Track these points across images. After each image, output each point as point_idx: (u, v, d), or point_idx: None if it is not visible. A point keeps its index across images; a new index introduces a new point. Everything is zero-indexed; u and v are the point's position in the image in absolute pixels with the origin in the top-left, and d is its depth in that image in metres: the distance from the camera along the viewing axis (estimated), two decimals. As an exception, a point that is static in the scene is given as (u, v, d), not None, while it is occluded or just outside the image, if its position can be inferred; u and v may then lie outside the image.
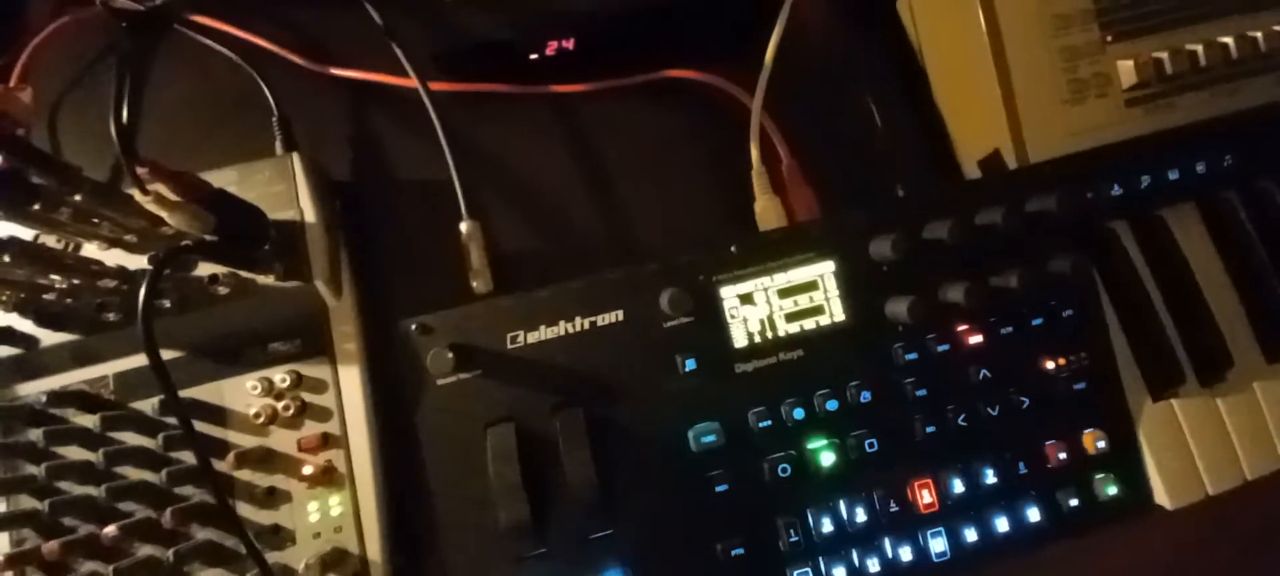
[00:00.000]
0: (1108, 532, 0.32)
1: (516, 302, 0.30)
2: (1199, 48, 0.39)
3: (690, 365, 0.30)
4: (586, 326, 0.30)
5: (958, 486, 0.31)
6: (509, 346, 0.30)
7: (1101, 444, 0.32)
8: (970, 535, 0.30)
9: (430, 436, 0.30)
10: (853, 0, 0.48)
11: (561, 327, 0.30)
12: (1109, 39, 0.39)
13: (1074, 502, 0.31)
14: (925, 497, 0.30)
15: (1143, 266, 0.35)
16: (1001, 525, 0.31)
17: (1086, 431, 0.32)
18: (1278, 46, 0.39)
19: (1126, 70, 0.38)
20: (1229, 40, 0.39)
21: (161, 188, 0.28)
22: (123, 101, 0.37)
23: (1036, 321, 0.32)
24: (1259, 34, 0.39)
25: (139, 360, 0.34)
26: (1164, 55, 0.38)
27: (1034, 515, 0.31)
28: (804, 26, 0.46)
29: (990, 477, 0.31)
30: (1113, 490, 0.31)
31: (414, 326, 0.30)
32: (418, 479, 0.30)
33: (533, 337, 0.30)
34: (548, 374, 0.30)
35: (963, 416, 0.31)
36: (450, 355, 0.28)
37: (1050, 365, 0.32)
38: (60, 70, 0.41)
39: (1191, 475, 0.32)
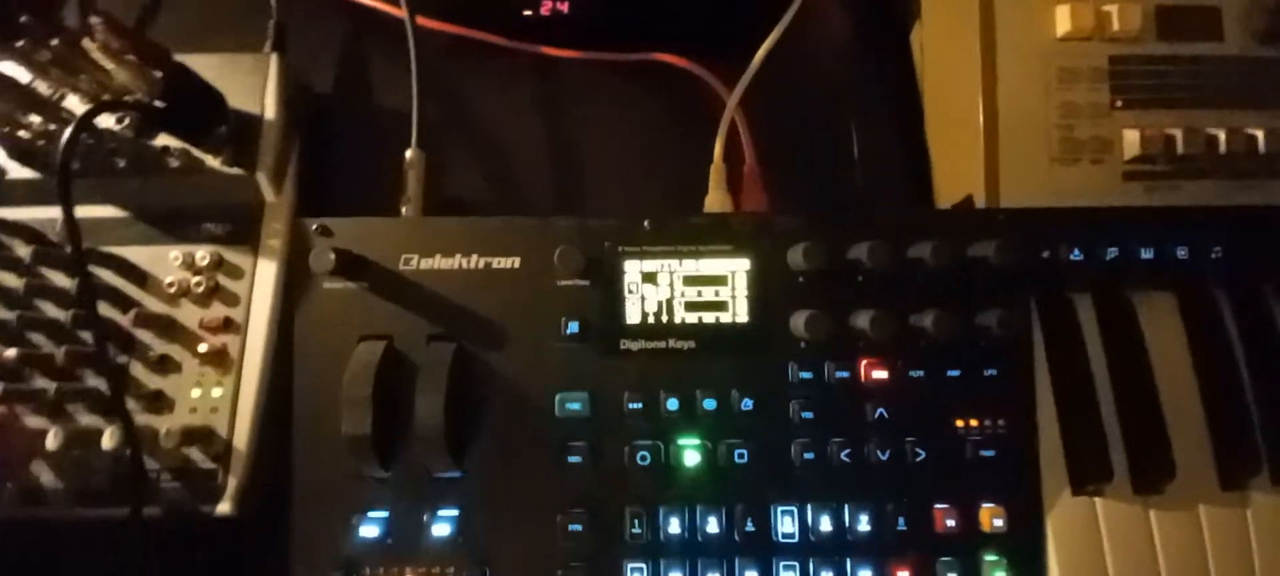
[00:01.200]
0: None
1: (417, 226, 0.31)
2: (1222, 133, 0.35)
3: (573, 328, 0.29)
4: (481, 265, 0.30)
5: (825, 524, 0.28)
6: (401, 266, 0.30)
7: (999, 522, 0.29)
8: (828, 579, 0.28)
9: (306, 336, 0.30)
10: (867, 23, 0.46)
11: (457, 261, 0.30)
12: (1118, 103, 0.36)
13: (954, 577, 0.28)
14: (786, 526, 0.28)
15: (1097, 346, 0.32)
16: (865, 578, 0.28)
17: (985, 505, 0.29)
18: (1317, 151, 0.35)
19: (1131, 140, 0.35)
20: (1259, 134, 0.36)
21: (110, 39, 0.30)
22: None
23: (953, 373, 0.29)
24: (1296, 132, 0.35)
25: (93, 210, 0.36)
26: (1177, 132, 0.35)
27: (905, 578, 0.28)
28: (811, 38, 0.45)
29: (863, 525, 0.28)
30: (1001, 575, 0.28)
31: (315, 226, 0.30)
32: (290, 377, 0.30)
33: (426, 264, 0.30)
34: (432, 303, 0.30)
35: (847, 452, 0.29)
36: (332, 256, 0.28)
37: (959, 423, 0.29)
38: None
39: (1099, 585, 0.29)
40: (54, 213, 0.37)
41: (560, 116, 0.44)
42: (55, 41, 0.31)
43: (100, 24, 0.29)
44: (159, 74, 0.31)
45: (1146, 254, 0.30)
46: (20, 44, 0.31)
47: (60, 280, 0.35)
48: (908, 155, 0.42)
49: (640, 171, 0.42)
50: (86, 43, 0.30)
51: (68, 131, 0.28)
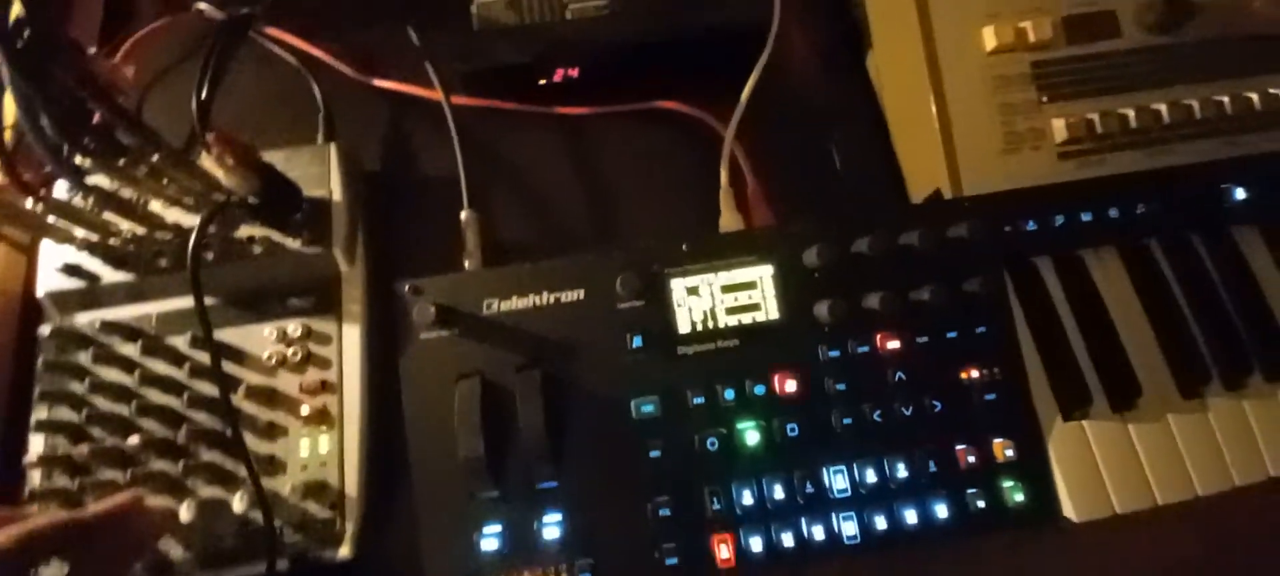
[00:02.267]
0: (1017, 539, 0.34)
1: (494, 275, 0.36)
2: (1131, 111, 0.43)
3: (637, 342, 0.35)
4: (552, 300, 0.35)
5: (870, 476, 0.34)
6: (484, 311, 0.35)
7: (1010, 453, 0.34)
8: (880, 522, 0.33)
9: (410, 383, 0.35)
10: (830, 54, 0.54)
11: (531, 299, 0.35)
12: (1045, 99, 0.43)
13: (981, 504, 0.34)
14: (839, 483, 0.34)
15: (1062, 299, 0.38)
16: (910, 516, 0.33)
17: (996, 439, 0.35)
18: (1212, 115, 0.43)
19: (1059, 127, 0.43)
20: (1162, 107, 0.44)
21: (224, 151, 0.35)
22: (205, 82, 0.45)
23: (951, 334, 0.35)
24: (1195, 102, 0.44)
25: (179, 302, 0.40)
26: (1094, 116, 0.43)
27: (942, 511, 0.34)
28: (786, 73, 0.52)
29: (902, 471, 0.34)
30: (1019, 497, 0.34)
31: (408, 287, 0.35)
32: (397, 421, 0.35)
33: (505, 306, 0.35)
34: (515, 338, 0.35)
35: (878, 413, 0.34)
36: (432, 310, 0.33)
37: (963, 375, 0.35)
38: (155, 60, 0.49)
39: (1099, 492, 0.35)
40: (146, 309, 0.41)
41: (582, 164, 0.50)
42: (156, 157, 0.36)
43: (214, 139, 0.34)
44: (256, 176, 0.36)
45: (1086, 217, 0.38)
46: (121, 162, 0.35)
47: (165, 369, 0.39)
48: (881, 159, 0.50)
49: (657, 203, 0.48)
50: (200, 155, 0.35)
51: (195, 233, 0.32)
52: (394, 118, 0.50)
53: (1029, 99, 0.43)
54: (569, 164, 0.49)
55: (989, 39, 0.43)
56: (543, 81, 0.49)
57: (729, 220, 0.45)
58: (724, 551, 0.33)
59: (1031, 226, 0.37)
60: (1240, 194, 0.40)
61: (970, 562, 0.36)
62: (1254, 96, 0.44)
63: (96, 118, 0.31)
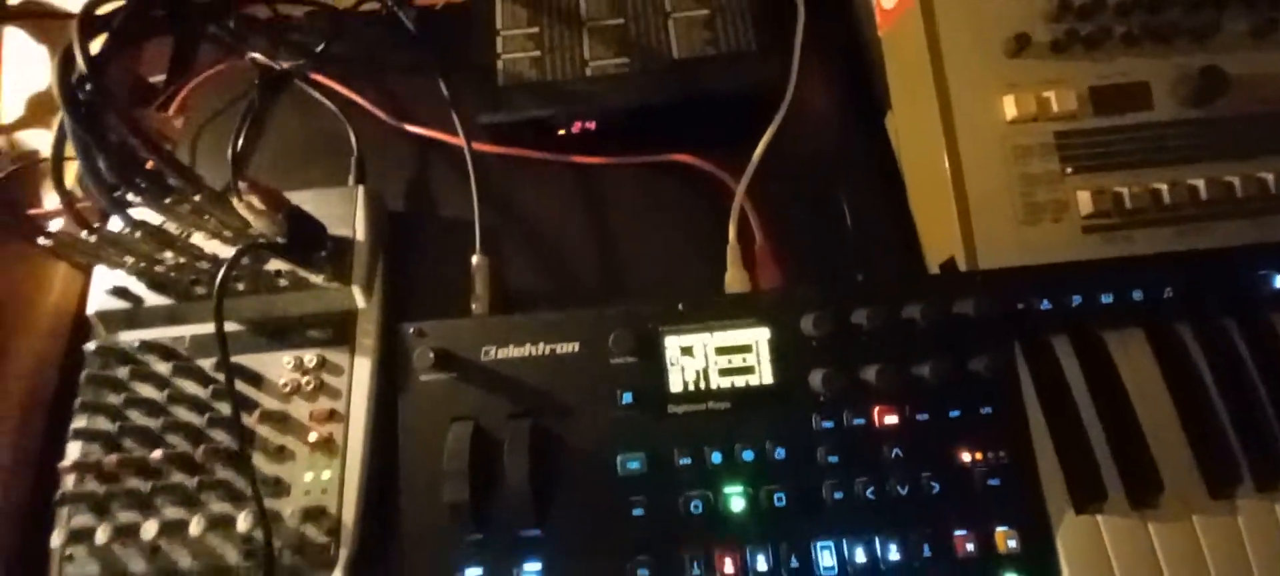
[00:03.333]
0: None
1: (494, 322, 0.37)
2: (1164, 186, 0.41)
3: (627, 398, 0.35)
4: (547, 352, 0.36)
5: (860, 556, 0.33)
6: (482, 358, 0.36)
7: (1013, 543, 0.33)
8: (867, 606, 0.32)
9: (407, 423, 0.36)
10: (850, 112, 0.54)
11: (527, 349, 0.36)
12: (1069, 171, 0.42)
13: (979, 596, 0.32)
14: (826, 560, 0.33)
15: (1079, 380, 0.36)
16: (901, 603, 0.32)
17: (999, 528, 0.33)
18: (1254, 193, 0.41)
19: (1084, 200, 0.41)
20: (1200, 183, 0.41)
21: (255, 198, 0.38)
22: (241, 133, 0.49)
23: (954, 413, 0.34)
24: (1236, 179, 0.41)
25: (211, 327, 0.43)
26: (1123, 190, 0.41)
27: (935, 600, 0.32)
28: (802, 131, 0.52)
29: (894, 554, 0.32)
30: (1022, 592, 0.32)
31: (412, 329, 0.37)
32: (394, 458, 0.36)
33: (503, 354, 0.36)
34: (510, 386, 0.36)
35: (871, 489, 0.33)
36: (431, 355, 0.34)
37: (965, 457, 0.34)
38: (210, 103, 0.54)
39: (1111, 595, 0.32)
40: (182, 331, 0.44)
41: (595, 214, 0.51)
42: (199, 198, 0.39)
43: (248, 185, 0.37)
44: (281, 216, 0.39)
45: (1106, 299, 0.36)
46: (168, 201, 0.39)
47: (193, 388, 0.41)
48: (895, 223, 0.49)
49: (666, 255, 0.49)
50: (233, 197, 0.38)
51: (224, 268, 0.35)
52: (421, 162, 0.53)
53: (1051, 170, 0.42)
54: (582, 213, 0.51)
55: (1009, 108, 0.43)
56: (562, 131, 0.51)
57: (735, 277, 0.45)
58: (701, 620, 0.32)
59: (1046, 305, 0.36)
60: (1281, 281, 0.37)
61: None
62: (1301, 176, 0.41)
63: (147, 164, 0.34)
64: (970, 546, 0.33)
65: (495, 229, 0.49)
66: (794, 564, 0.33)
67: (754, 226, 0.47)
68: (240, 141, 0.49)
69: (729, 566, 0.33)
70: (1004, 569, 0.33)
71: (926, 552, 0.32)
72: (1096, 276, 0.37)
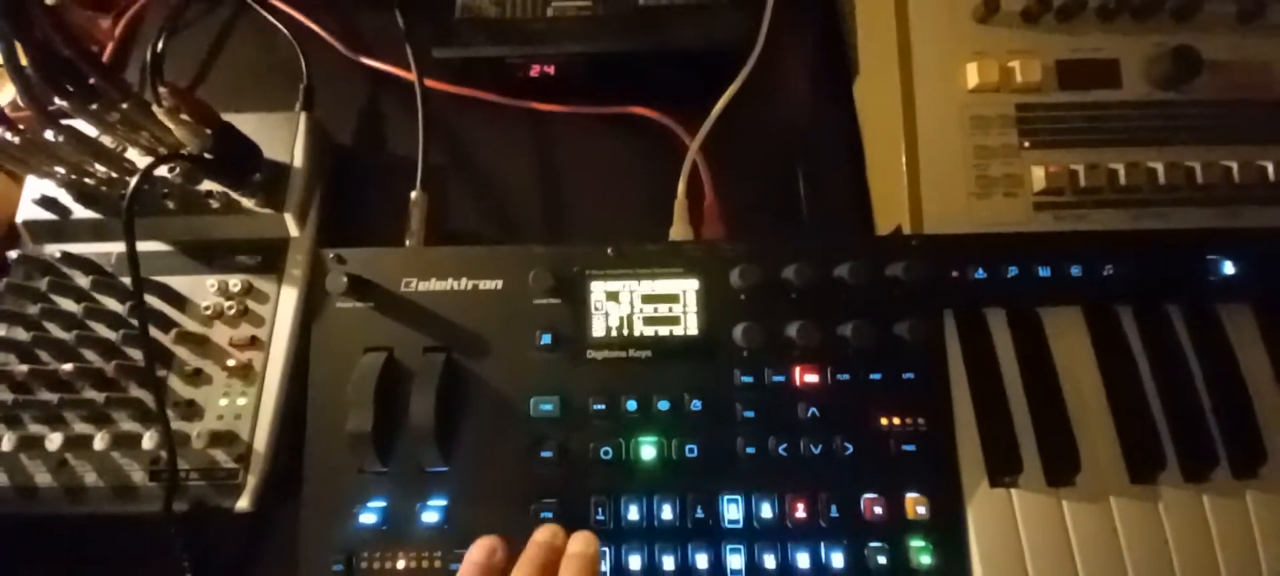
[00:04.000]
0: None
1: (416, 253, 0.36)
2: (1121, 167, 0.40)
3: (546, 340, 0.34)
4: (470, 287, 0.35)
5: (766, 511, 0.32)
6: (402, 289, 0.35)
7: (922, 510, 0.32)
8: (769, 562, 0.31)
9: (320, 349, 0.35)
10: (818, 76, 0.52)
11: (449, 283, 0.35)
12: (1026, 145, 0.41)
13: (883, 561, 0.31)
14: (732, 513, 0.32)
15: (1010, 355, 0.36)
16: (802, 561, 0.31)
17: (909, 494, 0.32)
18: (1216, 181, 0.40)
19: (1038, 176, 0.40)
20: (1159, 166, 0.40)
21: (178, 106, 0.37)
22: (161, 37, 0.48)
23: (875, 376, 0.33)
24: (1197, 165, 0.40)
25: (140, 245, 0.42)
26: (1079, 167, 0.40)
27: (838, 561, 0.31)
28: (768, 93, 0.51)
29: (800, 512, 0.32)
30: (927, 560, 0.32)
31: (331, 254, 0.36)
32: (306, 385, 0.35)
33: (424, 286, 0.35)
34: (428, 320, 0.35)
35: (784, 446, 0.33)
36: (345, 279, 0.33)
37: (883, 421, 0.33)
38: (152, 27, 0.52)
39: (1017, 569, 0.32)
40: (110, 247, 0.43)
41: (548, 161, 0.50)
42: (125, 105, 0.38)
43: (167, 92, 0.36)
44: (209, 131, 0.38)
45: (1043, 272, 0.35)
46: (94, 106, 0.37)
47: (112, 304, 0.40)
48: (852, 192, 0.48)
49: (616, 207, 0.48)
50: (153, 105, 0.36)
51: (134, 180, 0.34)
52: (375, 96, 0.51)
53: (1009, 143, 0.41)
54: (534, 159, 0.50)
55: (972, 76, 0.41)
56: (520, 74, 0.49)
57: (679, 231, 0.44)
58: (601, 563, 0.32)
59: (980, 274, 0.35)
60: (1229, 269, 0.36)
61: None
62: (1268, 166, 0.40)
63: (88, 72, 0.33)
64: (878, 510, 0.32)
65: (443, 169, 0.48)
66: (699, 514, 0.32)
67: (705, 183, 0.46)
68: (160, 45, 0.48)
69: (633, 513, 0.32)
70: (911, 535, 0.32)
71: (833, 513, 0.32)
72: (1034, 249, 0.36)
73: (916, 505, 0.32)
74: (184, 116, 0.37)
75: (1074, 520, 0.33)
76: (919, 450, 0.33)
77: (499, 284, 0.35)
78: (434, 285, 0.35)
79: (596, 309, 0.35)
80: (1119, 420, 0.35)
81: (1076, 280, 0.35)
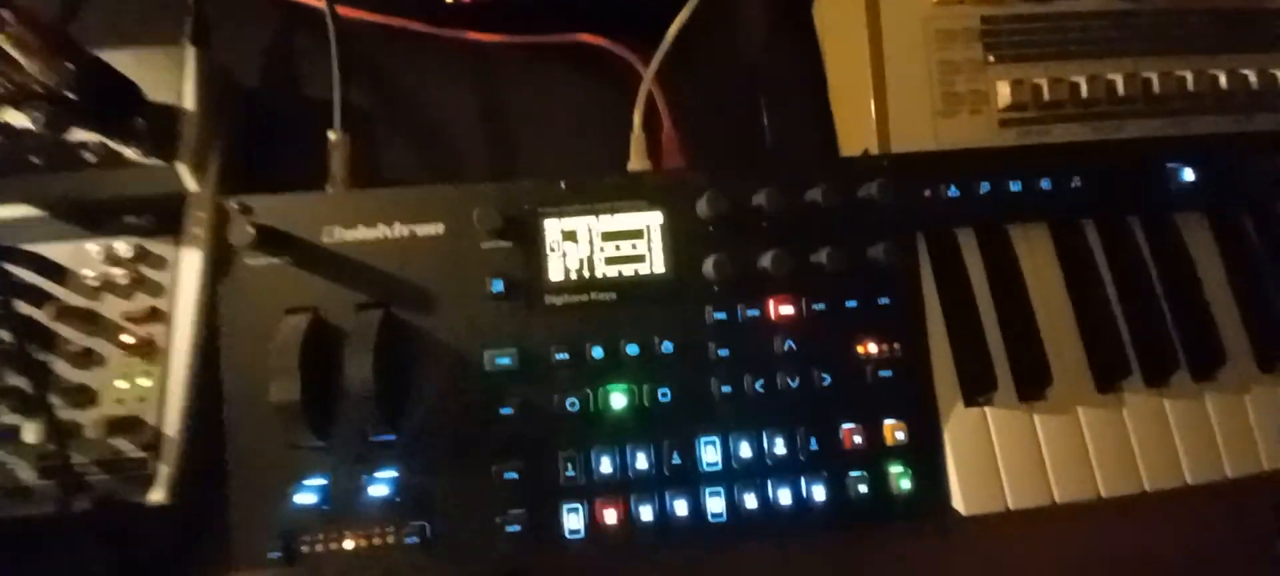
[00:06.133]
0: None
1: (338, 199, 0.31)
2: (1083, 79, 0.39)
3: (497, 287, 0.31)
4: (406, 234, 0.31)
5: (745, 451, 0.30)
6: (324, 240, 0.31)
7: (901, 435, 0.31)
8: (750, 501, 0.30)
9: (231, 314, 0.30)
10: (779, 3, 0.49)
11: (380, 231, 0.31)
12: (991, 59, 0.39)
13: (864, 489, 0.31)
14: (709, 456, 0.30)
15: (980, 273, 0.35)
16: (784, 497, 0.30)
17: (888, 420, 0.31)
18: (1172, 91, 0.40)
19: (1003, 91, 0.39)
20: (1118, 78, 0.40)
21: (23, 32, 0.30)
22: None
23: (851, 303, 0.32)
24: (1153, 76, 0.40)
25: (3, 210, 0.36)
26: (1043, 81, 0.39)
27: (820, 494, 0.30)
28: (726, 18, 0.47)
29: (779, 448, 0.31)
30: (906, 484, 0.31)
31: (235, 204, 0.31)
32: (217, 357, 0.31)
33: (350, 236, 0.31)
34: (358, 273, 0.31)
35: (760, 383, 0.31)
36: (252, 230, 0.29)
37: (860, 349, 0.32)
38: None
39: (993, 485, 0.32)
40: (-40, 217, 0.36)
41: (489, 98, 0.45)
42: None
43: (10, 15, 0.29)
44: (70, 66, 0.31)
45: (1015, 187, 0.34)
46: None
47: (-29, 282, 0.34)
48: (816, 122, 0.45)
49: (566, 145, 0.44)
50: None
51: (-29, 123, 0.28)
52: (283, 30, 0.45)
53: (973, 58, 0.39)
54: (472, 97, 0.45)
55: (937, -12, 0.39)
56: (449, 1, 0.44)
57: (637, 166, 0.40)
58: (574, 521, 0.29)
59: (954, 193, 0.33)
60: (1188, 176, 0.36)
61: (850, 549, 0.33)
62: (1220, 76, 0.40)
63: None
64: (858, 438, 0.31)
65: (368, 113, 0.42)
66: (676, 460, 0.30)
67: (662, 114, 0.42)
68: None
69: (606, 465, 0.30)
70: (890, 460, 0.31)
71: (813, 446, 0.31)
72: (1006, 163, 0.34)
73: (895, 431, 0.31)
74: (32, 43, 0.30)
75: (1045, 432, 0.33)
76: (896, 375, 0.32)
77: (439, 228, 0.31)
78: (363, 233, 0.31)
79: (552, 249, 0.32)
80: (1085, 333, 0.35)
81: (1046, 193, 0.34)
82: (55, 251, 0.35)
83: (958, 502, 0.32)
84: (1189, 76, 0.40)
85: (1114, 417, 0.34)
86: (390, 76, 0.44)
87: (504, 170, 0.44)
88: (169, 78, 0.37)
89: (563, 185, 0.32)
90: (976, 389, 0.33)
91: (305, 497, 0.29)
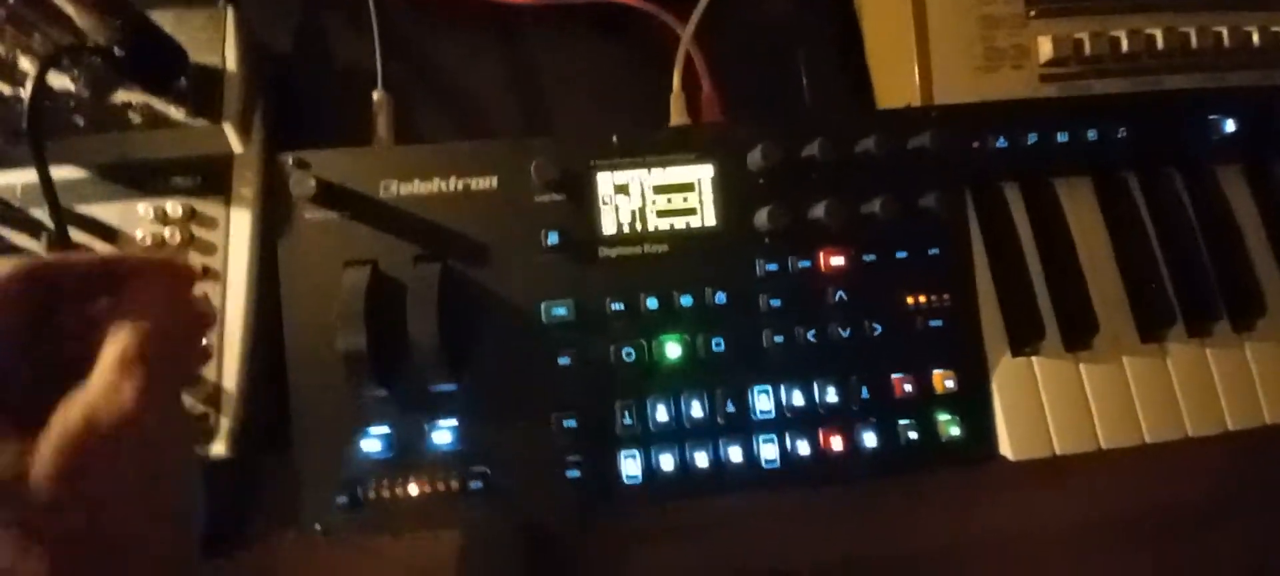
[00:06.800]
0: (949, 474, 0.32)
1: (395, 153, 0.31)
2: (1123, 34, 0.39)
3: (553, 239, 0.31)
4: (460, 187, 0.31)
5: (797, 399, 0.31)
6: (381, 194, 0.31)
7: (950, 384, 0.32)
8: (803, 448, 0.31)
9: (291, 268, 0.31)
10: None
11: (435, 184, 0.31)
12: (1032, 14, 0.39)
13: (913, 436, 0.31)
14: (763, 404, 0.31)
15: (1026, 226, 0.35)
16: (836, 444, 0.31)
17: (937, 370, 0.32)
18: (1208, 45, 0.40)
19: (1045, 46, 0.39)
20: (1157, 32, 0.40)
21: (76, -7, 0.30)
22: None
23: (901, 254, 0.32)
24: (1191, 30, 0.40)
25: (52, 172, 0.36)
26: (1084, 35, 0.39)
27: (870, 441, 0.31)
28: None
29: (832, 397, 0.31)
30: (955, 431, 0.32)
31: (292, 159, 0.31)
32: (273, 318, 0.31)
33: (406, 190, 0.31)
34: (415, 226, 0.31)
35: (812, 333, 0.31)
36: (313, 183, 0.29)
37: (909, 299, 0.32)
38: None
39: (1040, 431, 0.32)
40: (13, 177, 0.36)
41: (521, 62, 0.45)
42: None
43: (57, -33, 0.29)
44: (118, 22, 0.31)
45: (1062, 137, 0.34)
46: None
47: (25, 242, 0.34)
48: (852, 77, 0.45)
49: (604, 107, 0.44)
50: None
51: (30, 81, 0.28)
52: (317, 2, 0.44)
53: (1015, 12, 0.39)
54: (506, 61, 0.44)
55: (978, -59, 0.39)
56: (483, -38, 0.44)
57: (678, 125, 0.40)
58: (632, 468, 0.30)
59: (1002, 143, 0.34)
60: (1230, 126, 0.36)
61: (905, 495, 0.34)
62: (1253, 31, 0.40)
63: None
64: (908, 387, 0.32)
65: (403, 80, 0.42)
66: (729, 409, 0.31)
67: (701, 73, 0.42)
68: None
69: (662, 414, 0.30)
70: (939, 409, 0.32)
71: (864, 394, 0.31)
72: (1052, 115, 0.35)
73: (944, 380, 0.32)
74: (85, 4, 0.30)
75: (1090, 381, 0.33)
76: (945, 325, 0.32)
77: (493, 182, 0.31)
78: (418, 187, 0.31)
79: (605, 203, 0.32)
80: (1129, 283, 0.35)
81: (1092, 145, 0.35)
82: (105, 212, 0.35)
83: (1005, 448, 0.32)
84: (1225, 32, 0.40)
85: (1157, 366, 0.34)
86: (421, 42, 0.44)
87: (536, 128, 0.44)
88: (210, 38, 0.37)
89: (615, 139, 0.32)
90: (1023, 338, 0.33)
91: (371, 445, 0.29)
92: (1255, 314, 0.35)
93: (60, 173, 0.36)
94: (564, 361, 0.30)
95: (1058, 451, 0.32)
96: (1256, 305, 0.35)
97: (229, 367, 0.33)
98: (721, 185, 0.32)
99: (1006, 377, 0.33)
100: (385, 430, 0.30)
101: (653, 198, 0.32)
